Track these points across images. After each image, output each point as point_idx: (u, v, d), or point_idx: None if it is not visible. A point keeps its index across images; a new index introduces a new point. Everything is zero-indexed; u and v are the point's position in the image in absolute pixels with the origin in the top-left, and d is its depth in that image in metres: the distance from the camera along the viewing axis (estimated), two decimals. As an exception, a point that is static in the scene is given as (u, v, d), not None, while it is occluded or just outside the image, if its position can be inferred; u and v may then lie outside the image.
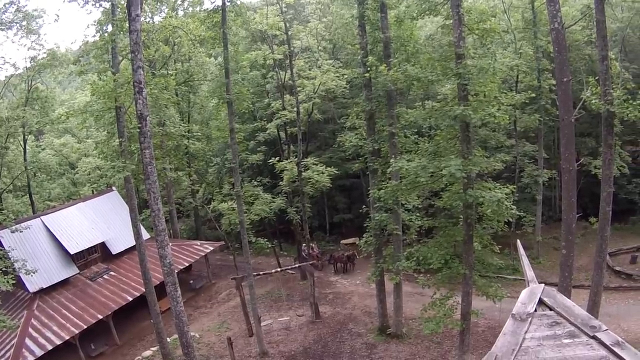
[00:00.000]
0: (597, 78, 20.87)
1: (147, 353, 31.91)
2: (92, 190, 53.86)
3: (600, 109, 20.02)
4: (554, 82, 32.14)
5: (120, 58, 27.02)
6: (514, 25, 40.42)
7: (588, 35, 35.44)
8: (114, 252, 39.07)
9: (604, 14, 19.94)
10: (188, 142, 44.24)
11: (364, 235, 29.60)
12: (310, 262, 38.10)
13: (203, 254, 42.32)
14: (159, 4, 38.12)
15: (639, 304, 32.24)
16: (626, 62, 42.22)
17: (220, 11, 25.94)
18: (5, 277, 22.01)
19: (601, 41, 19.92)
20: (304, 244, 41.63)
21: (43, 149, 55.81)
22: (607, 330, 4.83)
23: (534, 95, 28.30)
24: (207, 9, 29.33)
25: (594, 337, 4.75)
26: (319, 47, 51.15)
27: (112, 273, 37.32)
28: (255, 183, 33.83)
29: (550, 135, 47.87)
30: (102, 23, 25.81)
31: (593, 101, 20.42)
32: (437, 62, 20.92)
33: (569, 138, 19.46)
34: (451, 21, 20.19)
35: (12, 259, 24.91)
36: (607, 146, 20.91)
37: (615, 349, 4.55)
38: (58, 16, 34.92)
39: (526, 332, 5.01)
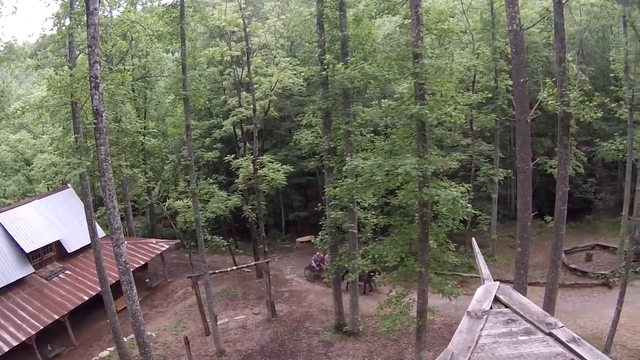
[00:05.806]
0: (554, 79, 21.15)
1: (104, 353, 31.36)
2: (48, 188, 52.88)
3: (556, 109, 20.28)
4: (511, 82, 32.62)
5: (78, 52, 26.50)
6: (472, 26, 40.75)
7: (546, 37, 35.83)
8: (69, 251, 38.27)
9: (562, 17, 20.20)
10: (144, 138, 43.69)
11: (320, 233, 29.53)
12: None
13: (159, 252, 41.81)
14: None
15: (594, 301, 32.83)
16: (583, 65, 43.10)
17: (179, 6, 25.66)
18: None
19: (559, 43, 20.19)
20: (317, 253, 40.73)
21: (-1, 145, 54.78)
22: (563, 327, 4.83)
23: (490, 95, 28.52)
24: (166, 4, 29.04)
25: (550, 334, 4.75)
26: (277, 45, 51.16)
27: (67, 272, 36.53)
28: (211, 180, 33.40)
29: (506, 134, 48.43)
30: (60, 16, 25.29)
31: (550, 102, 20.68)
32: (394, 61, 20.92)
33: (525, 138, 19.67)
34: (409, 21, 20.21)
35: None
36: (562, 146, 21.18)
37: (571, 345, 4.55)
38: (16, 8, 34.17)
39: (482, 329, 4.99)
